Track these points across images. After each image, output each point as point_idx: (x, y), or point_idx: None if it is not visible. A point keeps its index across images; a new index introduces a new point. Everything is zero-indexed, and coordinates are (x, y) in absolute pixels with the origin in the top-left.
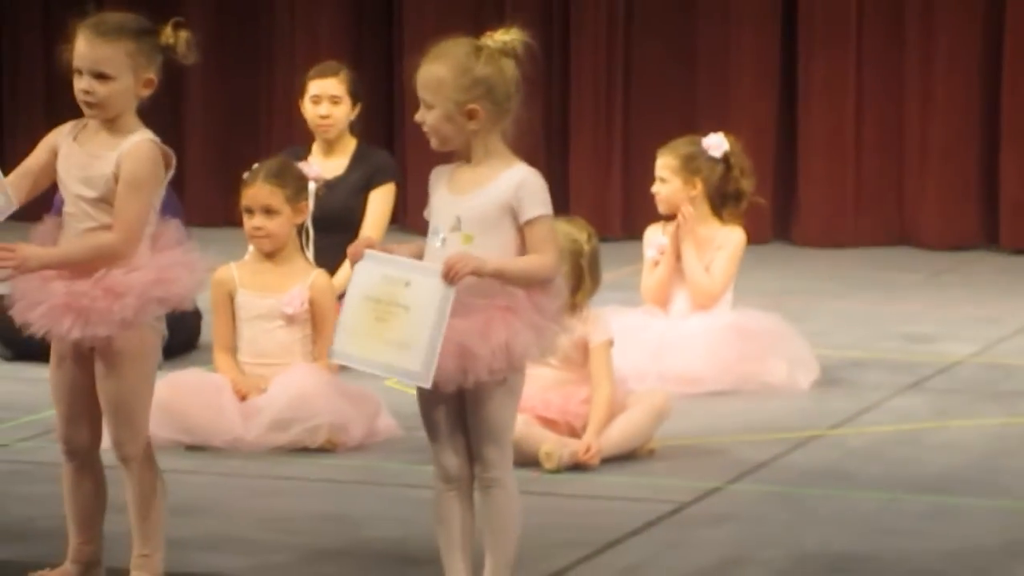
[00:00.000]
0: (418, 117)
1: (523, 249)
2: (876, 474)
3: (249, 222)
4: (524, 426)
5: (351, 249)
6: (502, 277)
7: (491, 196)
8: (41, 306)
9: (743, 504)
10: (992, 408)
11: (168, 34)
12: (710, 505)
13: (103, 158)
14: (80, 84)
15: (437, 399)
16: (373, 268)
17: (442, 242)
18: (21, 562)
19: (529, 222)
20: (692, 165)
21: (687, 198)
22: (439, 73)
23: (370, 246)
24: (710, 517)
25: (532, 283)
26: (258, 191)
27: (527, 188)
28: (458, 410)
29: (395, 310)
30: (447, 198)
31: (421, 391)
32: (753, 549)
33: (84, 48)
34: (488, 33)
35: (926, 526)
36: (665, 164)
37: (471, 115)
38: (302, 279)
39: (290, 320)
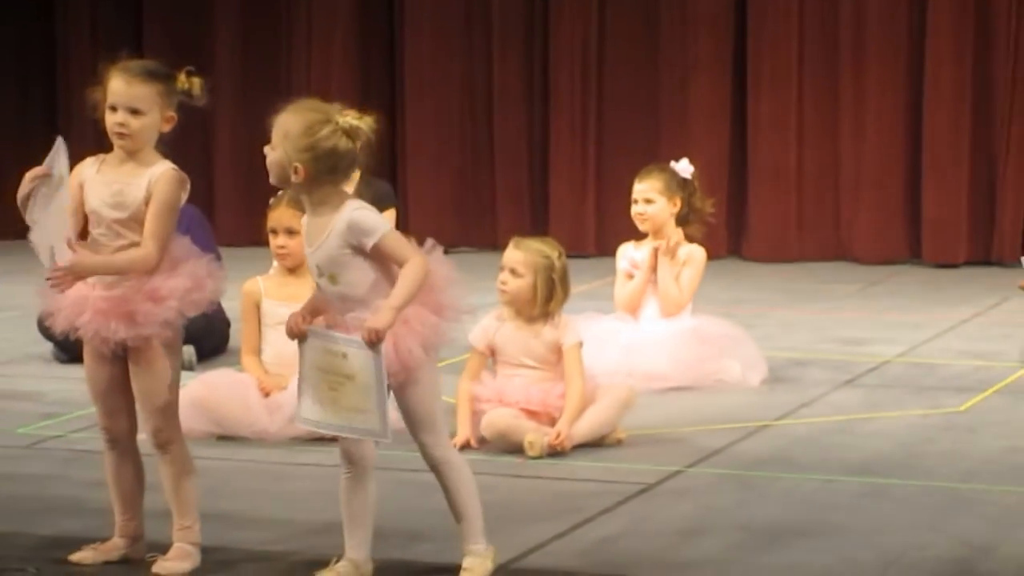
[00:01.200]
0: (266, 149)
1: (384, 266)
2: (816, 459)
3: (274, 241)
4: (512, 418)
5: (289, 322)
6: (405, 307)
7: (331, 244)
8: (86, 313)
9: (701, 485)
10: (916, 401)
11: (183, 80)
12: (672, 486)
13: (133, 184)
14: (115, 118)
15: None
16: (316, 343)
17: (320, 288)
18: (76, 536)
19: (375, 247)
20: (673, 185)
21: (670, 215)
22: (288, 126)
23: (305, 318)
24: (672, 496)
25: (423, 286)
26: (282, 214)
27: (356, 227)
28: None
29: (342, 380)
30: (307, 249)
31: None
32: (709, 523)
33: (122, 87)
34: (347, 111)
35: (858, 503)
36: (651, 187)
37: (295, 171)
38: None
39: None
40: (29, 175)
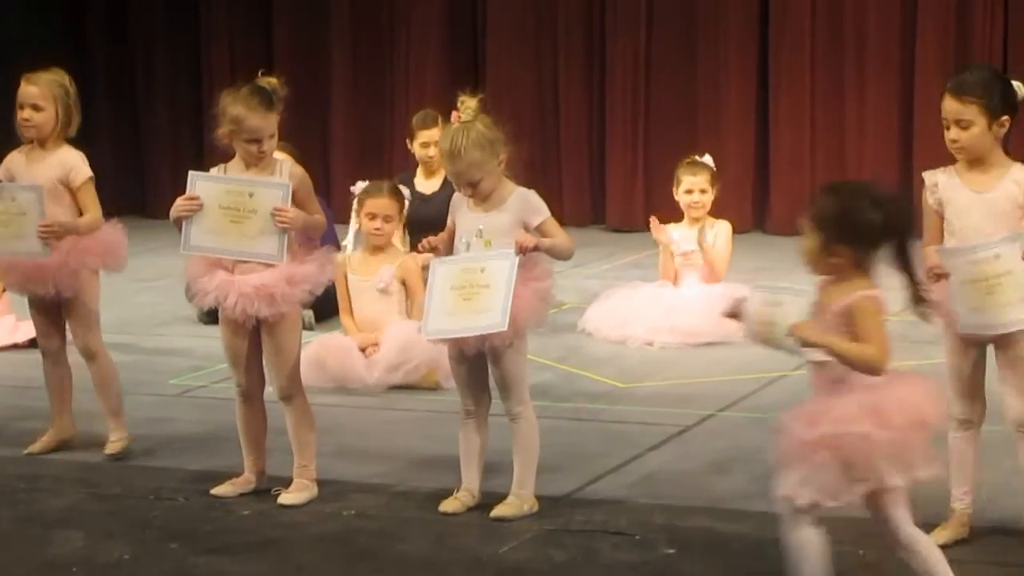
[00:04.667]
0: (467, 193)
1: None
2: None
3: (371, 224)
4: None
5: (424, 245)
6: (544, 250)
7: (505, 214)
8: (231, 296)
9: (730, 426)
10: (911, 353)
11: (265, 82)
12: (707, 427)
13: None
14: (260, 147)
15: (463, 359)
16: (451, 267)
17: (467, 246)
18: (218, 471)
19: (539, 226)
20: (714, 177)
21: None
22: (474, 156)
23: (435, 253)
24: (707, 435)
25: (563, 256)
26: (385, 203)
27: (529, 205)
28: (478, 366)
29: (477, 290)
30: (469, 215)
31: (451, 355)
32: (737, 459)
33: (260, 122)
34: (456, 115)
35: None
36: (706, 179)
37: (502, 163)
38: (391, 263)
39: (383, 292)
40: (181, 202)
